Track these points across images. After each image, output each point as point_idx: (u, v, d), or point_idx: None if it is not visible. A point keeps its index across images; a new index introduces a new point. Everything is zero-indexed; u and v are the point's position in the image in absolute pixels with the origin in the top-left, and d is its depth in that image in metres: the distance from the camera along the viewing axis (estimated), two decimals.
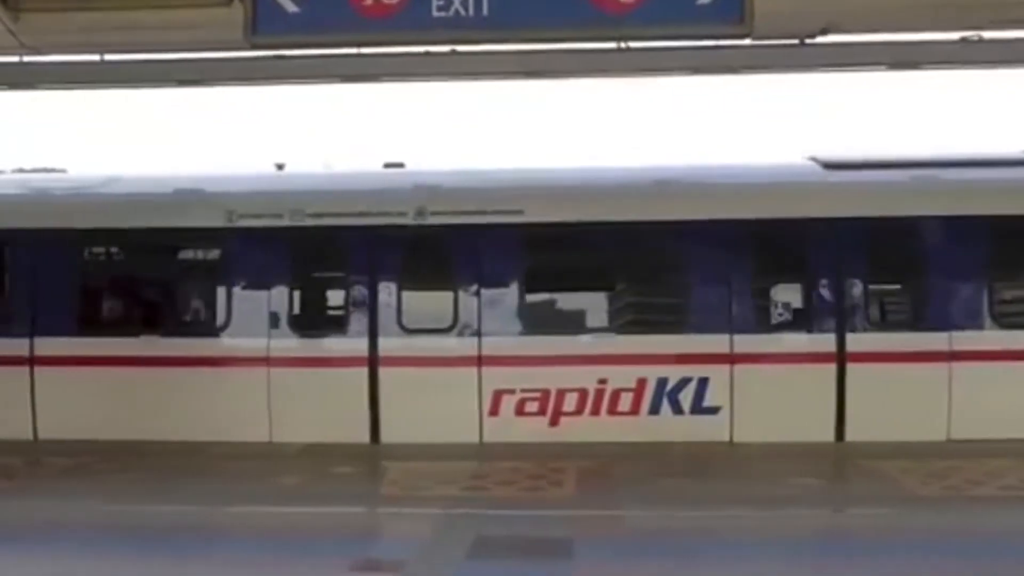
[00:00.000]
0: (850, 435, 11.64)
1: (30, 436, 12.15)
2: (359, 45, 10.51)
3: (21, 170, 13.90)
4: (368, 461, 11.55)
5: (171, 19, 10.41)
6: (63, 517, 8.97)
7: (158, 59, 11.51)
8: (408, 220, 12.13)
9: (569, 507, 9.38)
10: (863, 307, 11.90)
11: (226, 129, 20.34)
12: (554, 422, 11.84)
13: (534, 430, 11.77)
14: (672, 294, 12.15)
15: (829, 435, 11.66)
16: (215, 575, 7.79)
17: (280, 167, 13.50)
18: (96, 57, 11.45)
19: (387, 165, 13.31)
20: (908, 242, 11.88)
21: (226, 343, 12.27)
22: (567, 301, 12.47)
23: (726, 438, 11.70)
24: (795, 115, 20.43)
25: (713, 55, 11.01)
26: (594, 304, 12.38)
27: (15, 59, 11.44)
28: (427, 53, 10.87)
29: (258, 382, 12.01)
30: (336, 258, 12.34)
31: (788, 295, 12.18)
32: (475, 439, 11.82)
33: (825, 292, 11.88)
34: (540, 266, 12.27)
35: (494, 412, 11.87)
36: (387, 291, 12.07)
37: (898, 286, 12.44)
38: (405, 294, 12.10)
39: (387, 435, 11.93)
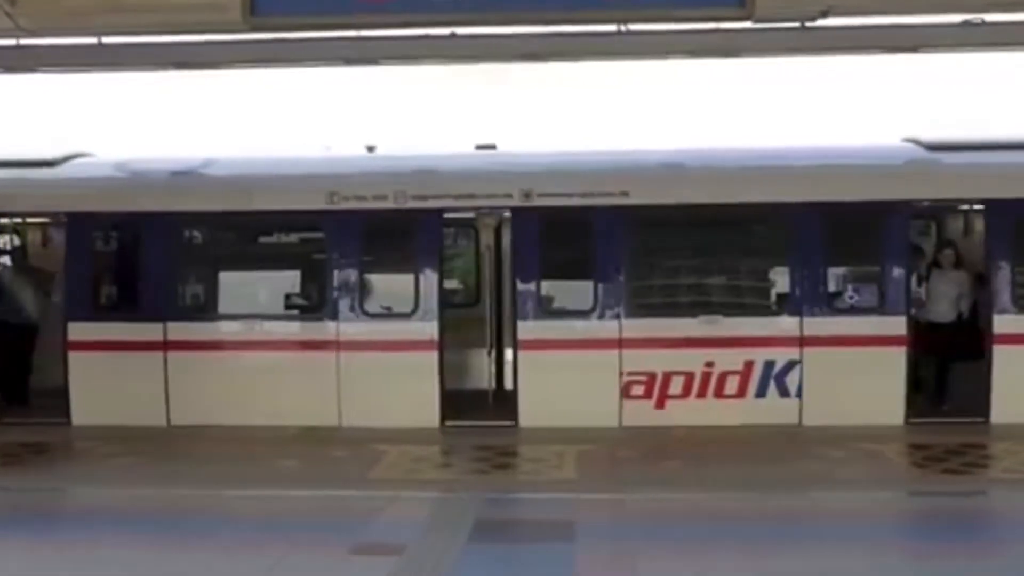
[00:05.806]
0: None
1: (163, 423, 12.15)
2: (359, 27, 10.47)
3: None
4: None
5: (170, 1, 10.37)
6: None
7: (156, 42, 11.47)
8: (514, 202, 12.08)
9: None
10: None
11: (224, 112, 20.21)
12: (660, 405, 11.81)
13: (640, 413, 11.74)
14: (780, 277, 12.10)
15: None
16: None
17: (371, 149, 13.50)
18: (93, 40, 11.41)
19: (479, 147, 13.27)
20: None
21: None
22: (673, 284, 12.43)
23: None
24: (798, 100, 20.26)
25: (713, 38, 10.97)
26: (700, 287, 12.38)
27: (12, 42, 11.41)
28: (426, 36, 10.84)
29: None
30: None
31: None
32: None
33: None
34: (645, 248, 12.28)
35: None
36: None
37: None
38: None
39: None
